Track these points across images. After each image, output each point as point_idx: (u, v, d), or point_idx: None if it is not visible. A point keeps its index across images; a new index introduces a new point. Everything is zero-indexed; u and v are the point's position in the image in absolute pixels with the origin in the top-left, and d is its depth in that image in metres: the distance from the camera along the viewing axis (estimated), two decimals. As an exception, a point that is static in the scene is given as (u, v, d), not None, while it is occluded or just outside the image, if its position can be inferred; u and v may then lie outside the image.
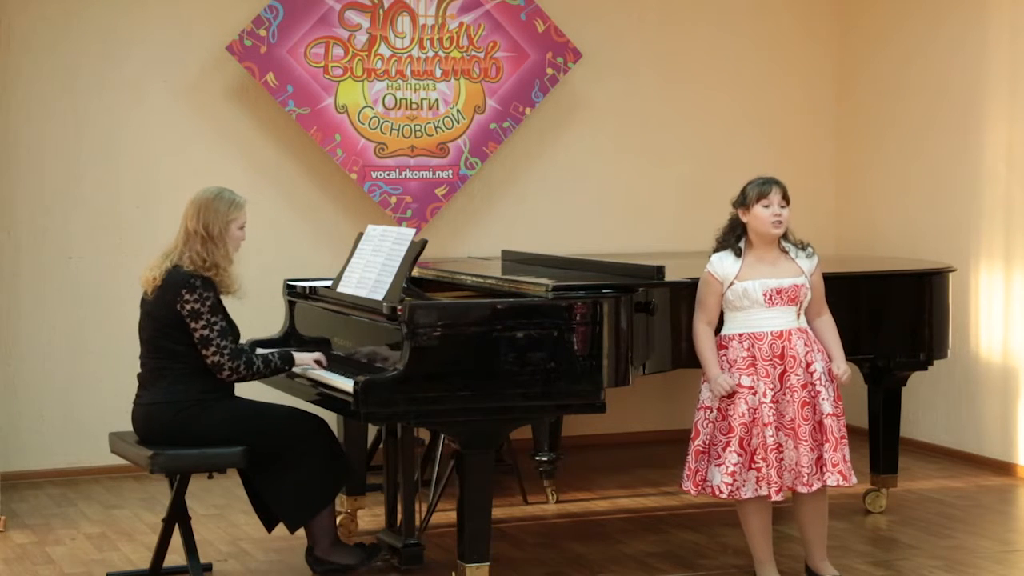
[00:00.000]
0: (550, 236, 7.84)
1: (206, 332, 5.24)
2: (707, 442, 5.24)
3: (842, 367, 5.29)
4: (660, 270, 5.62)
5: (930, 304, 6.38)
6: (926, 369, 6.50)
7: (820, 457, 5.18)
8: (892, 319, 6.31)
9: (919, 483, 7.12)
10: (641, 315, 5.38)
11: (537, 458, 6.78)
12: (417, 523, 5.56)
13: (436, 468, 6.33)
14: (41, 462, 7.28)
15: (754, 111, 8.39)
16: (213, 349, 5.24)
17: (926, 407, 7.82)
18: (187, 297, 5.22)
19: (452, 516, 5.35)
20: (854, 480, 5.25)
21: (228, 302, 5.40)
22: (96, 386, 7.29)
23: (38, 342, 7.27)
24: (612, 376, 5.21)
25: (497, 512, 5.87)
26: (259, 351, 5.42)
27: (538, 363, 5.07)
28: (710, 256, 5.32)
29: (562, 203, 8.06)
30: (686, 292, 5.59)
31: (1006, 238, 7.39)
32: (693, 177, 8.26)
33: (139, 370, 5.43)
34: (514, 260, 7.01)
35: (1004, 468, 7.36)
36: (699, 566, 5.75)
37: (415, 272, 5.75)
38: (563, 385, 5.11)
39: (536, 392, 5.08)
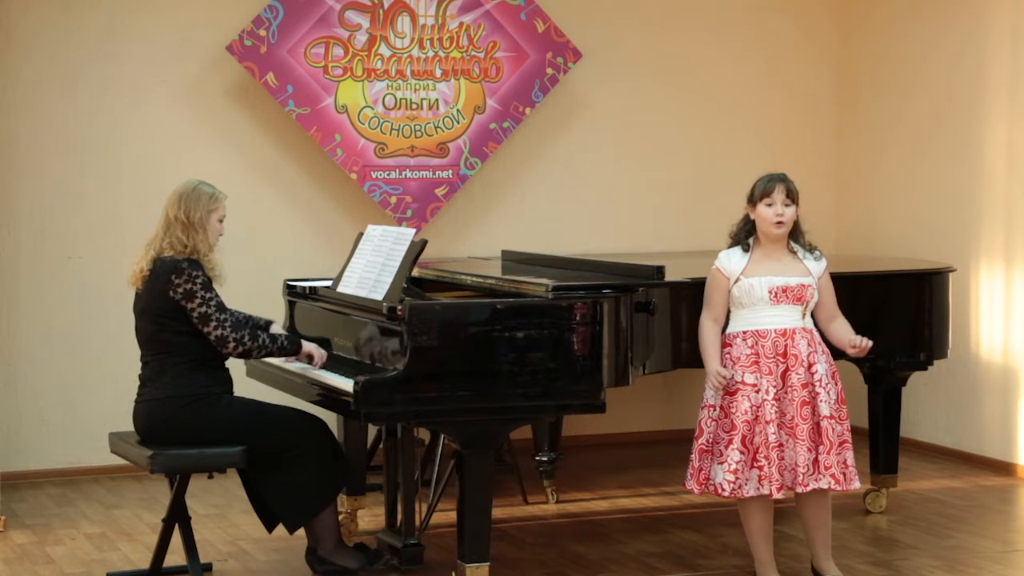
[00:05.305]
0: (550, 236, 7.84)
1: (203, 309, 5.24)
2: (710, 440, 5.23)
3: (860, 336, 5.23)
4: (660, 270, 5.61)
5: (930, 304, 6.38)
6: (926, 369, 6.50)
7: (817, 459, 5.18)
8: (892, 319, 6.31)
9: (919, 483, 7.12)
10: (641, 315, 5.37)
11: (537, 458, 6.78)
12: (417, 523, 5.56)
13: (436, 468, 6.33)
14: (41, 462, 7.28)
15: (754, 112, 8.39)
16: (214, 324, 5.25)
17: (926, 407, 7.82)
18: (177, 280, 5.23)
19: (452, 516, 5.35)
20: (854, 485, 5.21)
21: (228, 300, 5.41)
22: (96, 386, 7.30)
23: (38, 342, 7.27)
24: (612, 376, 5.20)
25: (497, 512, 5.87)
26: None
27: (538, 363, 5.07)
28: (719, 253, 5.32)
29: (562, 203, 8.06)
30: (686, 292, 5.59)
31: (1006, 238, 7.39)
32: (693, 177, 8.26)
33: (140, 371, 5.43)
34: (514, 260, 7.00)
35: (1004, 468, 7.36)
36: (699, 566, 5.75)
37: (415, 272, 5.75)
38: (563, 385, 5.11)
39: (536, 392, 5.08)
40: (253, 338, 5.32)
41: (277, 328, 5.72)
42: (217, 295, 5.30)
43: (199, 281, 5.25)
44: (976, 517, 6.53)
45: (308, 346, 5.51)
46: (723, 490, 5.17)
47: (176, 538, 5.40)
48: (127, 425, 5.50)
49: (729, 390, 5.20)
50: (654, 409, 8.22)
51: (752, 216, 5.25)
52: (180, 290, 5.24)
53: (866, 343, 5.26)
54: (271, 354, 5.42)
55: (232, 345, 5.29)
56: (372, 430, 6.48)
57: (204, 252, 5.34)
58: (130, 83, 7.37)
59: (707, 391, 5.26)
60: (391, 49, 7.55)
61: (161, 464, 5.21)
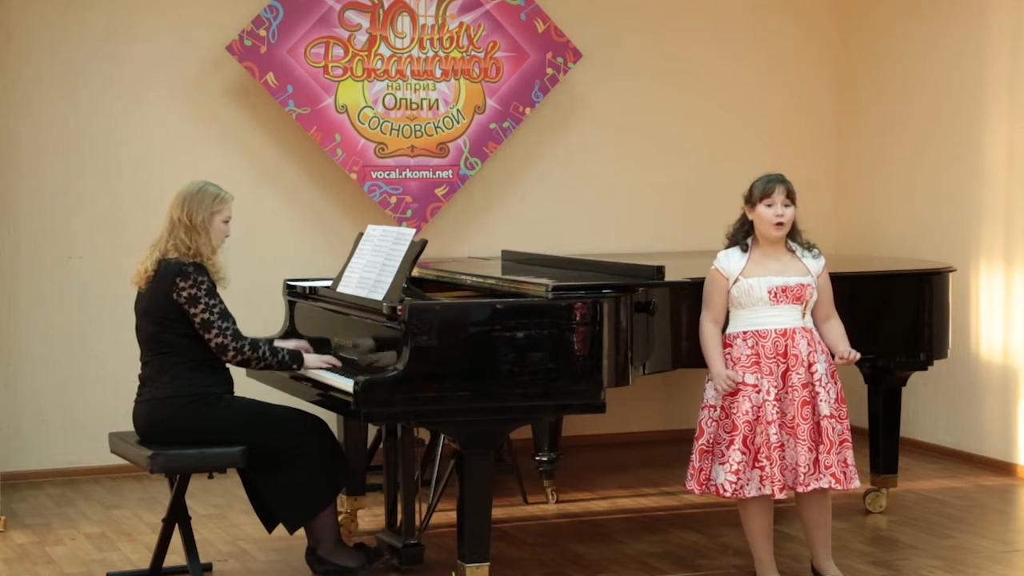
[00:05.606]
0: (550, 236, 7.84)
1: (206, 315, 5.24)
2: (711, 441, 5.23)
3: (849, 349, 5.25)
4: (660, 270, 5.61)
5: (930, 304, 6.38)
6: (926, 369, 6.50)
7: (817, 458, 5.18)
8: (892, 319, 6.31)
9: (919, 483, 7.12)
10: (641, 315, 5.37)
11: (537, 458, 6.78)
12: (417, 523, 5.56)
13: (436, 468, 6.33)
14: (41, 462, 7.28)
15: (754, 112, 8.39)
16: (215, 331, 5.25)
17: (926, 407, 7.82)
18: (181, 284, 5.23)
19: (452, 516, 5.35)
20: (854, 484, 5.21)
21: (227, 300, 5.41)
22: (96, 386, 7.30)
23: (38, 342, 7.27)
24: (612, 376, 5.20)
25: (497, 512, 5.87)
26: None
27: (538, 363, 5.06)
28: (718, 254, 5.32)
29: (562, 203, 8.06)
30: (686, 292, 5.59)
31: (1006, 238, 7.39)
32: (693, 177, 8.26)
33: (140, 371, 5.43)
34: (514, 260, 7.00)
35: (1004, 468, 7.36)
36: (699, 566, 5.75)
37: (415, 272, 5.75)
38: (563, 385, 5.11)
39: (536, 392, 5.07)
40: (254, 348, 5.31)
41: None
42: (221, 301, 5.30)
43: (204, 287, 5.25)
44: (976, 517, 6.53)
45: (311, 361, 5.46)
46: (724, 491, 5.17)
47: (176, 538, 5.40)
48: (127, 425, 5.49)
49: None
50: (654, 409, 8.22)
51: (750, 217, 5.25)
52: (184, 294, 5.23)
53: (854, 355, 5.26)
54: (270, 367, 5.40)
55: (232, 354, 5.28)
56: (372, 430, 6.48)
57: (207, 255, 5.34)
58: (130, 83, 7.37)
59: (707, 391, 5.26)
60: (391, 49, 7.55)
61: (161, 464, 5.20)
